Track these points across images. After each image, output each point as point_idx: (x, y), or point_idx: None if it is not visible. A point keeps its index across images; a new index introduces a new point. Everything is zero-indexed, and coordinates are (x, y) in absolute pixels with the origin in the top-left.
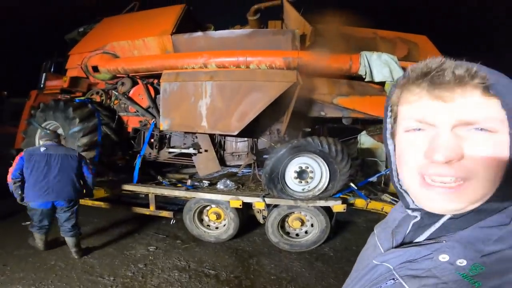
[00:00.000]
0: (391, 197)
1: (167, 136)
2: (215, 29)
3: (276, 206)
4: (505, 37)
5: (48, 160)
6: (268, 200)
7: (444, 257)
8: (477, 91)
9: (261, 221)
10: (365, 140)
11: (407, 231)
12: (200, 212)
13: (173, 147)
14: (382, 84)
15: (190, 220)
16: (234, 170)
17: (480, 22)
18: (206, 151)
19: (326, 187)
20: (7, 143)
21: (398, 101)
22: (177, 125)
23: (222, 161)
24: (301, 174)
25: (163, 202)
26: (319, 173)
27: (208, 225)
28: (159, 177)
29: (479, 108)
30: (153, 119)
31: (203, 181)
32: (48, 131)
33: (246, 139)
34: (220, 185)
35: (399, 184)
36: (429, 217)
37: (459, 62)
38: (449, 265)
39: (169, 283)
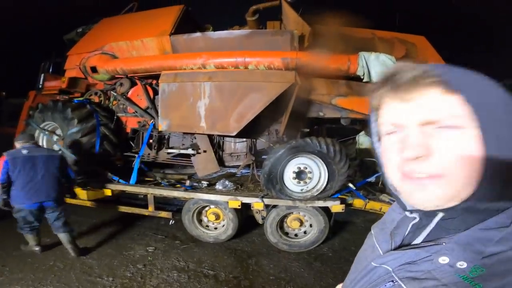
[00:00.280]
0: (390, 197)
1: (166, 136)
2: (214, 30)
3: (274, 206)
4: (505, 37)
5: (33, 162)
6: (266, 201)
7: (444, 259)
8: (436, 90)
9: (260, 221)
10: (363, 140)
11: (406, 233)
12: (199, 213)
13: (172, 148)
14: None
15: (189, 220)
16: (233, 170)
17: (480, 22)
18: (205, 151)
19: (325, 188)
20: (5, 144)
21: (378, 105)
22: (175, 126)
23: (221, 162)
24: (300, 175)
25: (162, 203)
26: (318, 173)
27: (207, 226)
28: (157, 178)
29: (440, 106)
30: (152, 120)
31: (202, 182)
32: (24, 133)
33: (244, 139)
34: (219, 186)
35: (393, 187)
36: (427, 218)
37: (417, 64)
38: (449, 267)
39: (168, 283)
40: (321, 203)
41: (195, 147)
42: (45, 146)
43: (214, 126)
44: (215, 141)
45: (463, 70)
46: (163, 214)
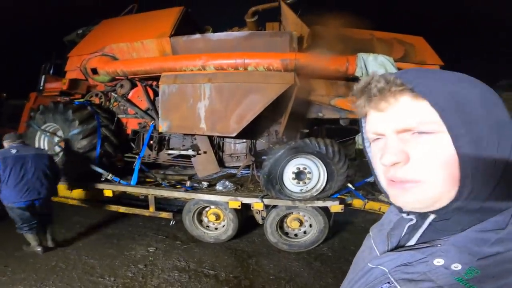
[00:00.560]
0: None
1: (166, 138)
2: (213, 31)
3: (274, 206)
4: (505, 37)
5: (23, 161)
6: (266, 201)
7: (439, 261)
8: (406, 98)
9: (260, 221)
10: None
11: (403, 234)
12: (200, 213)
13: (172, 149)
14: None
15: (189, 221)
16: (233, 171)
17: (480, 22)
18: (205, 152)
19: (324, 188)
20: None
21: (364, 113)
22: (176, 127)
23: (221, 163)
24: (299, 175)
25: (162, 204)
26: (317, 174)
27: (208, 226)
28: (158, 179)
29: (412, 113)
30: (152, 121)
31: (202, 182)
32: (11, 133)
33: (244, 140)
34: (219, 186)
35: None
36: (421, 219)
37: (385, 74)
38: (444, 269)
39: (169, 283)
40: (320, 203)
41: (195, 148)
42: (46, 148)
43: (214, 127)
44: (215, 142)
45: (433, 74)
46: (164, 214)
